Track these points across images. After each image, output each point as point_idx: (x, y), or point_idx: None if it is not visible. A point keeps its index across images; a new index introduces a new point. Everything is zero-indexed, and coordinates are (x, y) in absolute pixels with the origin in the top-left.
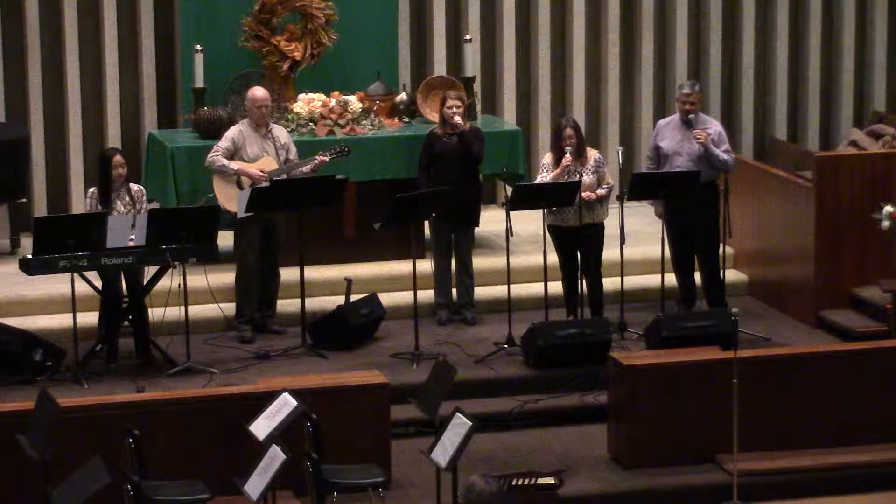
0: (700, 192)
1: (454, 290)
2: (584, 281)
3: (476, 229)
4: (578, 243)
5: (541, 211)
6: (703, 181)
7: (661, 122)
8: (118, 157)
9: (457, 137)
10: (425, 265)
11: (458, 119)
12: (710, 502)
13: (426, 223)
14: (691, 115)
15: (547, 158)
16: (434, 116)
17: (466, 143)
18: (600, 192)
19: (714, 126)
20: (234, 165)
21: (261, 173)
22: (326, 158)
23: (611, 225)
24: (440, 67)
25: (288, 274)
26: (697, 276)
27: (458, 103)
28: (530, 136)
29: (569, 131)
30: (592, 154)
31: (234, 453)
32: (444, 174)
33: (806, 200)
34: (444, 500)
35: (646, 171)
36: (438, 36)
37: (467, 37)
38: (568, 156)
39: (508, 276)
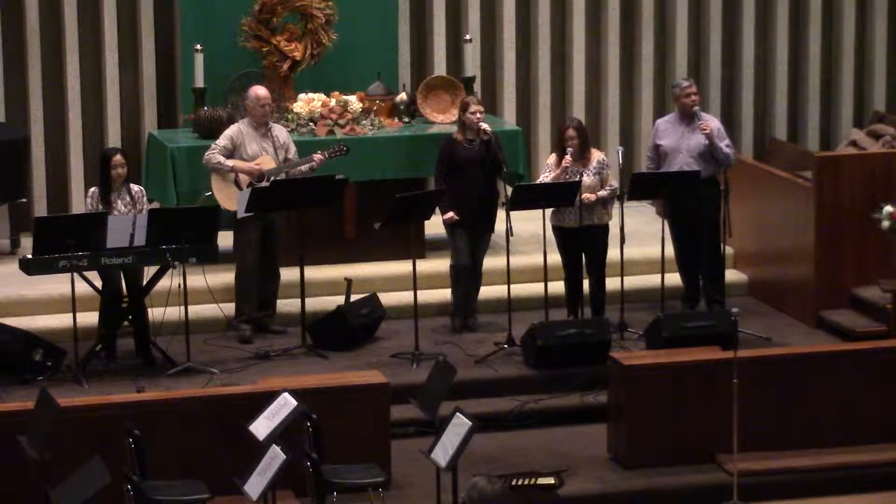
0: (701, 188)
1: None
2: (586, 281)
3: None
4: (581, 244)
5: (541, 211)
6: (703, 177)
7: (660, 120)
8: (118, 157)
9: (480, 144)
10: (425, 265)
11: (486, 125)
12: (710, 502)
13: (444, 230)
14: (696, 108)
15: (550, 159)
16: (434, 116)
17: (493, 151)
18: (601, 193)
19: (714, 121)
20: (230, 163)
21: (256, 167)
22: (324, 157)
23: (611, 225)
24: (440, 67)
25: (288, 274)
26: None
27: (482, 108)
28: (530, 136)
29: (570, 132)
30: (596, 156)
31: (234, 453)
32: (466, 180)
33: (806, 200)
34: (444, 500)
35: (646, 171)
36: (438, 36)
37: (467, 37)
38: (568, 157)
39: (508, 276)
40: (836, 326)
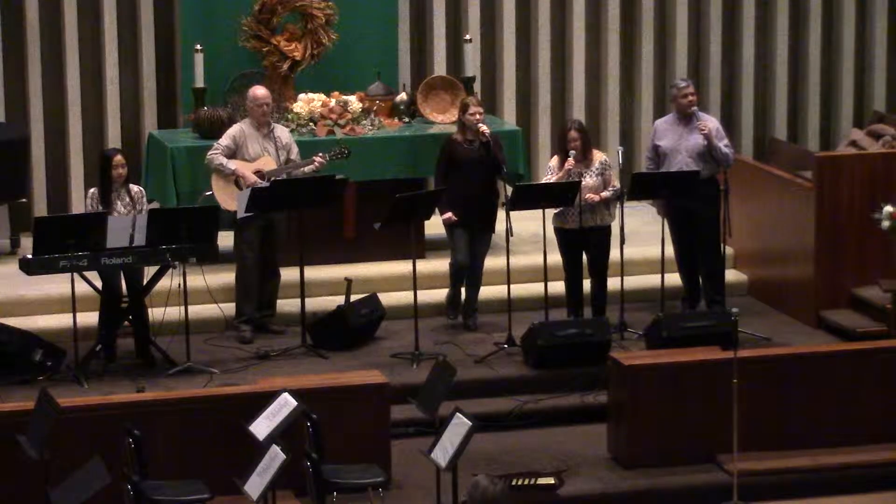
0: (700, 188)
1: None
2: (587, 282)
3: None
4: (583, 245)
5: (541, 211)
6: (703, 177)
7: (659, 121)
8: (118, 157)
9: (480, 145)
10: (425, 265)
11: (484, 127)
12: (710, 502)
13: (445, 230)
14: (694, 108)
15: (552, 161)
16: (434, 116)
17: (494, 153)
18: (605, 194)
19: (712, 121)
20: (232, 165)
21: (257, 179)
22: (325, 160)
23: (612, 226)
24: (440, 67)
25: (288, 274)
26: None
27: (481, 109)
28: (530, 136)
29: (573, 134)
30: (598, 156)
31: (234, 453)
32: (466, 181)
33: (806, 200)
34: (444, 500)
35: (646, 171)
36: (438, 36)
37: (467, 37)
38: (571, 159)
39: (508, 276)
40: (836, 326)
